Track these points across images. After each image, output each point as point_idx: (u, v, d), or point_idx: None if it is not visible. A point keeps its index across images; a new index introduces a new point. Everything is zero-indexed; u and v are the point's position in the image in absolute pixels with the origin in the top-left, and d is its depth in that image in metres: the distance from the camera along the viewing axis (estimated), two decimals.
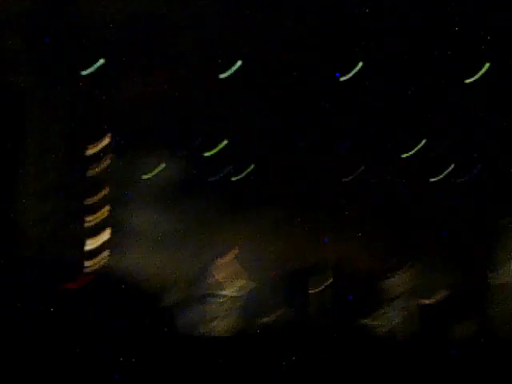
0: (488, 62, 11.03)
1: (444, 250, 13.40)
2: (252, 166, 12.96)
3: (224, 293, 12.38)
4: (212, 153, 12.58)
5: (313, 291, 12.90)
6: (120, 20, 10.97)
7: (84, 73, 11.17)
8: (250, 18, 10.97)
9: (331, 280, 12.93)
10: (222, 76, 11.34)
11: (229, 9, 10.83)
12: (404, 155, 13.02)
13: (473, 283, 13.19)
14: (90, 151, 11.91)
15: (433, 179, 13.44)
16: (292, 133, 12.53)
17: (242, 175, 13.09)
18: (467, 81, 11.78)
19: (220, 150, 12.53)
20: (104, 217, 11.87)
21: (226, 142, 12.51)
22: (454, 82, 11.83)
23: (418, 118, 12.19)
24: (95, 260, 11.83)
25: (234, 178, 13.06)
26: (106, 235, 11.79)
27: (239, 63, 11.20)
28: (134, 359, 9.01)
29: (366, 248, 13.16)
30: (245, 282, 12.54)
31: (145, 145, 12.25)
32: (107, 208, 11.86)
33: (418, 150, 12.96)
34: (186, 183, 12.55)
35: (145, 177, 12.37)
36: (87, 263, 11.80)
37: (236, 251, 12.60)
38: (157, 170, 12.34)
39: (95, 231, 11.87)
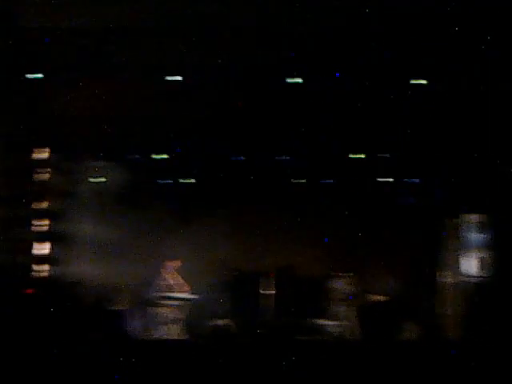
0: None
1: (392, 251, 13.40)
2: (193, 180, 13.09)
3: (175, 297, 12.36)
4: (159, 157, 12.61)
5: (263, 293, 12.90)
6: (57, 34, 10.93)
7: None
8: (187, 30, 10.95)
9: (275, 284, 12.91)
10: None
11: (168, 21, 10.79)
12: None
13: (422, 283, 13.18)
14: (33, 158, 11.90)
15: (380, 179, 13.47)
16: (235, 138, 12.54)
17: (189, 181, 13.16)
18: (413, 81, 11.72)
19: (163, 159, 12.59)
20: (45, 228, 11.83)
21: (165, 155, 12.55)
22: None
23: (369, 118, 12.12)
24: (39, 269, 11.80)
25: (182, 180, 13.12)
26: (47, 246, 11.75)
27: (179, 78, 11.20)
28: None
29: (310, 251, 13.18)
30: (194, 286, 12.54)
31: (84, 156, 12.25)
32: (47, 220, 11.82)
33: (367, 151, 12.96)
34: (128, 192, 12.59)
35: (92, 180, 12.51)
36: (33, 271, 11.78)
37: (184, 256, 12.62)
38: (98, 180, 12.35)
39: (38, 241, 11.84)
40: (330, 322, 12.52)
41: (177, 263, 12.46)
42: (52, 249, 12.05)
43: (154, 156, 12.77)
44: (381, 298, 12.77)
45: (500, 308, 11.54)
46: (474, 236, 12.37)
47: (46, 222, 11.96)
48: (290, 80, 11.44)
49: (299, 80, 11.34)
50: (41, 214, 11.97)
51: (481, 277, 12.17)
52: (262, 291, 12.97)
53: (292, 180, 13.45)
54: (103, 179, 12.67)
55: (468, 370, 9.17)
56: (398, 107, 11.73)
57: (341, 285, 12.92)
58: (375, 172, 13.28)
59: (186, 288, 12.37)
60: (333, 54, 11.06)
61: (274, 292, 12.70)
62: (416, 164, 13.04)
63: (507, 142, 11.71)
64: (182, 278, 12.43)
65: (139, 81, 11.29)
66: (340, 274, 13.07)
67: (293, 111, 11.81)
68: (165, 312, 12.18)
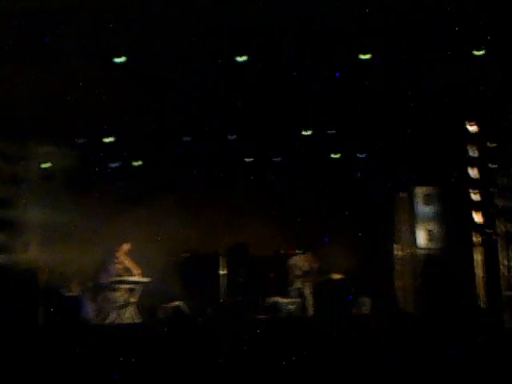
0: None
1: (347, 225, 13.43)
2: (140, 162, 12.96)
3: (131, 280, 12.27)
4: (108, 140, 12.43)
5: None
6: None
7: None
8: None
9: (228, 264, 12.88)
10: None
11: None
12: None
13: (377, 257, 13.28)
14: None
15: (334, 156, 13.44)
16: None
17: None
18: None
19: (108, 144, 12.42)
20: None
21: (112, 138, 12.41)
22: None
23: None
24: None
25: (135, 164, 13.04)
26: None
27: (123, 59, 10.99)
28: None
29: (264, 230, 13.17)
30: (151, 267, 12.48)
31: (28, 142, 12.03)
32: None
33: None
34: (76, 176, 12.43)
35: (43, 166, 12.34)
36: None
37: (135, 239, 12.55)
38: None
39: None
40: (285, 300, 12.58)
41: (127, 246, 12.36)
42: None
43: (103, 139, 12.54)
44: (336, 273, 12.85)
45: (452, 277, 11.71)
46: (424, 209, 12.48)
47: None
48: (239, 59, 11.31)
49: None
50: None
51: (432, 248, 12.31)
52: (214, 271, 12.91)
53: (244, 159, 13.37)
54: (50, 164, 12.46)
55: (425, 341, 9.25)
56: (346, 83, 11.72)
57: (295, 262, 12.96)
58: (325, 148, 13.27)
59: (138, 271, 12.30)
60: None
61: (226, 272, 12.63)
62: (362, 139, 13.05)
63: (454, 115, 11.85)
64: (134, 261, 12.34)
65: (85, 63, 11.09)
66: (294, 252, 13.13)
67: (242, 92, 11.76)
68: (117, 296, 12.10)
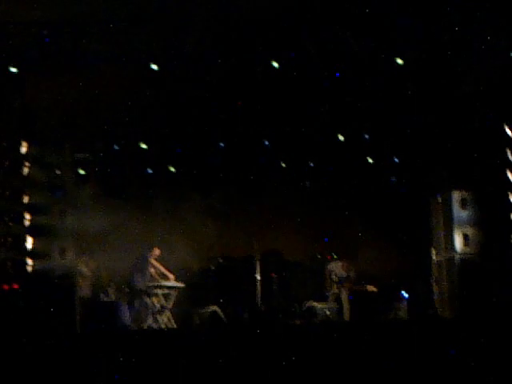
0: None
1: (383, 230, 13.35)
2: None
3: (166, 285, 12.27)
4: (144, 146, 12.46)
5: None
6: (32, 27, 10.77)
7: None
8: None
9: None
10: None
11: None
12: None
13: (415, 261, 13.18)
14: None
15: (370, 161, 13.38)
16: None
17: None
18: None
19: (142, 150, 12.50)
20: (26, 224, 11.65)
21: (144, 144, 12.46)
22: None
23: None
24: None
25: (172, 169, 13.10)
26: (29, 242, 11.57)
27: (155, 67, 11.03)
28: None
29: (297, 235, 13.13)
30: (185, 272, 12.48)
31: (62, 150, 12.13)
32: (28, 215, 11.64)
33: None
34: (110, 184, 12.52)
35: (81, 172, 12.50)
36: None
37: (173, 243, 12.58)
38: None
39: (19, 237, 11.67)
40: (321, 305, 12.51)
41: (158, 251, 12.39)
42: (36, 243, 11.85)
43: (138, 146, 12.63)
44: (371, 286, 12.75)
45: (490, 282, 11.56)
46: (461, 213, 12.33)
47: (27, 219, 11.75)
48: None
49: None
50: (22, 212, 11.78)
51: (470, 253, 12.15)
52: (250, 276, 12.87)
53: (280, 164, 13.38)
54: (84, 171, 12.57)
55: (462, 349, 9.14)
56: (381, 87, 11.69)
57: (332, 268, 12.89)
58: (360, 153, 13.24)
59: (172, 276, 12.32)
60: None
61: (260, 277, 12.59)
62: (399, 143, 12.99)
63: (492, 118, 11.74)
64: (167, 266, 12.37)
65: (117, 71, 11.18)
66: (331, 257, 13.08)
67: (277, 99, 11.77)
68: (154, 301, 12.13)
